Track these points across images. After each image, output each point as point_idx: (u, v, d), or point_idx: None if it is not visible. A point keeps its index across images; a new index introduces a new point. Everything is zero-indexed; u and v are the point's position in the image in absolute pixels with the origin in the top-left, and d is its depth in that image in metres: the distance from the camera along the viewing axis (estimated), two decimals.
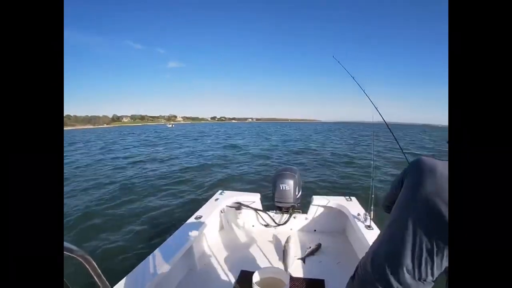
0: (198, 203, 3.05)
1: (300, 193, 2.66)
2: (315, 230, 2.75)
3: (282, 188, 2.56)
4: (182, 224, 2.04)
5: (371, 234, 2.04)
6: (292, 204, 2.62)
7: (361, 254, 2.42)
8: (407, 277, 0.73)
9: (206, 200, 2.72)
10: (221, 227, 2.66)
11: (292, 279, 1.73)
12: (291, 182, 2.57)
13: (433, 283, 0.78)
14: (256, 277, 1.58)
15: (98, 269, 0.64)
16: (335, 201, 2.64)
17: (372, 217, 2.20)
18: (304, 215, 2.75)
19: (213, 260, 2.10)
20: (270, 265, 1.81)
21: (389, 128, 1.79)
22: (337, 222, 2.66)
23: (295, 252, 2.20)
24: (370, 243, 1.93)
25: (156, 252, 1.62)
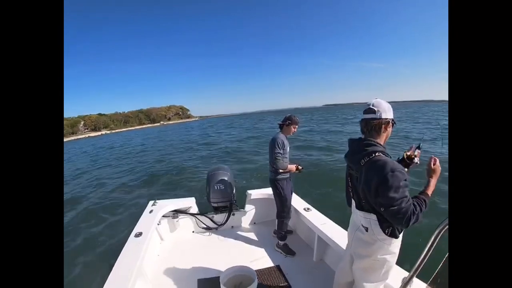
0: (133, 218, 2.58)
1: (234, 190, 2.69)
2: (254, 223, 2.82)
3: (217, 188, 2.57)
4: (123, 246, 1.86)
5: (310, 215, 2.23)
6: (229, 202, 2.64)
7: (303, 234, 2.49)
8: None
9: (138, 214, 2.52)
10: (162, 240, 2.55)
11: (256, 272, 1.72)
12: (225, 181, 2.59)
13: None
14: (223, 279, 1.57)
15: None
16: (269, 191, 2.54)
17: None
18: (242, 211, 2.78)
19: (166, 277, 1.99)
20: (224, 267, 1.73)
21: None
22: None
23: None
24: (314, 222, 2.10)
25: (108, 284, 1.47)
